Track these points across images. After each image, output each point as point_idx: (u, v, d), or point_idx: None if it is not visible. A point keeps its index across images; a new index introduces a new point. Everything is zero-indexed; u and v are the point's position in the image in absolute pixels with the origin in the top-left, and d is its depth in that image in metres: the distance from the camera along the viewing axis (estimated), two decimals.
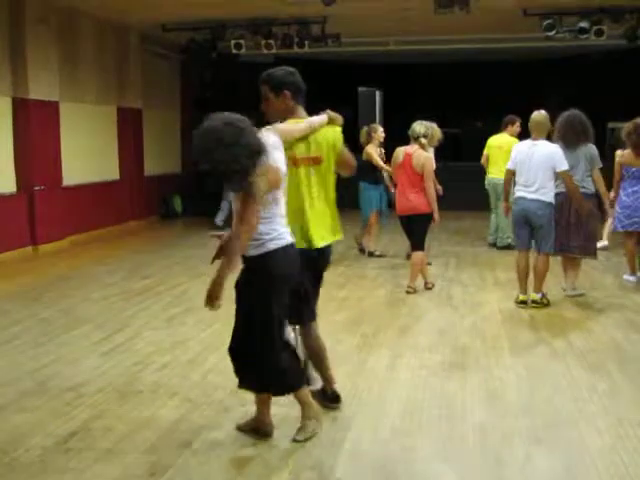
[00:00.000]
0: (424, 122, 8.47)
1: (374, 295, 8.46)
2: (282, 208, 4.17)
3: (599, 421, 4.67)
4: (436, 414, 4.86)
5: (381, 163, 9.86)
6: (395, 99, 16.04)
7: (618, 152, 8.80)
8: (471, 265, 9.92)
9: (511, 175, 7.78)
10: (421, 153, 8.24)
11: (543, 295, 7.80)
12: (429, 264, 8.42)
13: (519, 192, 7.62)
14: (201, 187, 13.84)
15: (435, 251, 11.39)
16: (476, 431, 4.54)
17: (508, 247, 10.75)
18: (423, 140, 8.28)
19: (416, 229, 8.38)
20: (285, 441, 4.40)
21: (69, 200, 12.52)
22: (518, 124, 10.96)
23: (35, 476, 4.02)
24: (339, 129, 4.75)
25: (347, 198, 10.61)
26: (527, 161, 7.53)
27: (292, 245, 4.20)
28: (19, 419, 4.83)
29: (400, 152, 8.45)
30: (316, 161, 4.58)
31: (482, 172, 11.58)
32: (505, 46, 15.93)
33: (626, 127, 8.65)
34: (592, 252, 7.94)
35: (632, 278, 8.94)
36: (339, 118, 4.76)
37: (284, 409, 4.72)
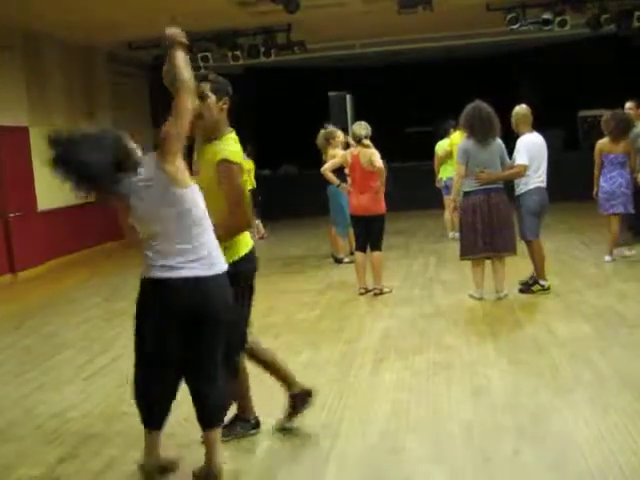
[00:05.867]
0: (362, 123, 8.62)
1: (355, 300, 8.47)
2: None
3: (586, 411, 4.69)
4: (423, 414, 4.87)
5: (330, 176, 9.54)
6: (366, 102, 16.07)
7: (599, 141, 9.29)
8: (450, 262, 9.94)
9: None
10: (366, 151, 8.40)
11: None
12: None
13: (537, 184, 7.81)
14: None
15: (415, 249, 11.47)
16: (463, 429, 4.54)
17: None
18: (365, 141, 8.45)
19: (373, 229, 8.47)
20: None
21: (45, 225, 12.46)
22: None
23: None
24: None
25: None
26: (541, 153, 7.85)
27: None
28: (6, 449, 4.80)
29: (347, 155, 8.74)
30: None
31: None
32: (471, 42, 16.03)
33: (604, 116, 9.16)
34: (513, 248, 7.81)
35: (608, 258, 9.29)
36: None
37: None
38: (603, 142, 9.15)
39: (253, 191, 13.40)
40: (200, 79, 4.10)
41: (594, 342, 6.17)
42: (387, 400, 5.18)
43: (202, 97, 4.09)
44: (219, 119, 4.20)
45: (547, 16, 12.87)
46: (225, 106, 4.21)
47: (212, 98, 4.14)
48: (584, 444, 4.19)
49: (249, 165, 13.17)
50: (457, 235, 9.09)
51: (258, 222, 13.79)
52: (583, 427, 4.43)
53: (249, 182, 13.42)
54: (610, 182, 9.07)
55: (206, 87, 4.13)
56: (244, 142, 4.46)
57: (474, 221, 7.63)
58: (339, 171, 9.34)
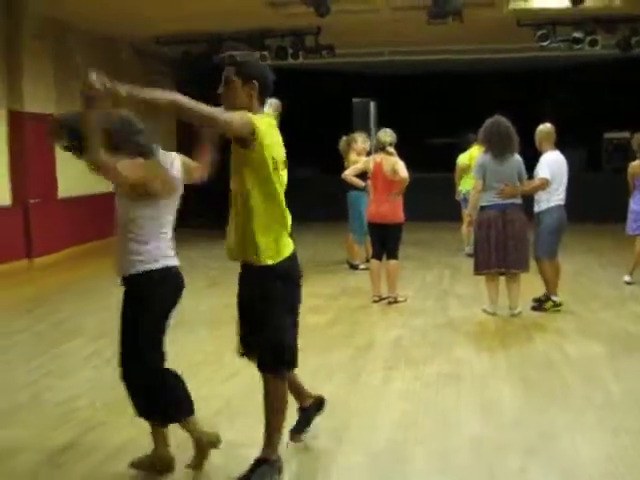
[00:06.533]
0: (387, 130, 8.60)
1: (368, 307, 8.45)
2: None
3: (594, 432, 4.65)
4: (430, 426, 4.84)
5: (354, 180, 9.54)
6: (390, 110, 16.03)
7: (631, 163, 9.26)
8: (466, 276, 9.88)
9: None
10: (389, 158, 8.37)
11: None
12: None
13: (557, 202, 7.79)
14: (201, 192, 13.74)
15: (431, 260, 11.43)
16: (471, 443, 4.51)
17: None
18: (389, 149, 8.42)
19: (390, 238, 8.44)
20: None
21: (65, 212, 12.51)
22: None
23: None
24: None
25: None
26: (562, 172, 7.81)
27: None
28: (11, 433, 4.81)
29: (370, 162, 8.68)
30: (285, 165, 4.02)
31: None
32: (499, 57, 15.97)
33: (636, 138, 9.11)
34: (525, 265, 7.73)
35: (628, 278, 9.28)
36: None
37: None
38: (636, 164, 9.11)
39: None
40: (227, 62, 3.85)
41: (606, 363, 6.11)
42: (395, 409, 5.15)
43: (226, 81, 3.84)
44: (247, 105, 3.81)
45: (578, 35, 12.79)
46: (253, 92, 3.83)
47: (236, 83, 3.82)
48: (592, 465, 4.15)
49: None
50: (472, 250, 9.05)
51: None
52: (592, 448, 4.39)
53: None
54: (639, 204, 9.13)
55: (231, 71, 3.83)
56: None
57: (488, 236, 7.60)
58: (361, 177, 9.32)
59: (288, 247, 3.99)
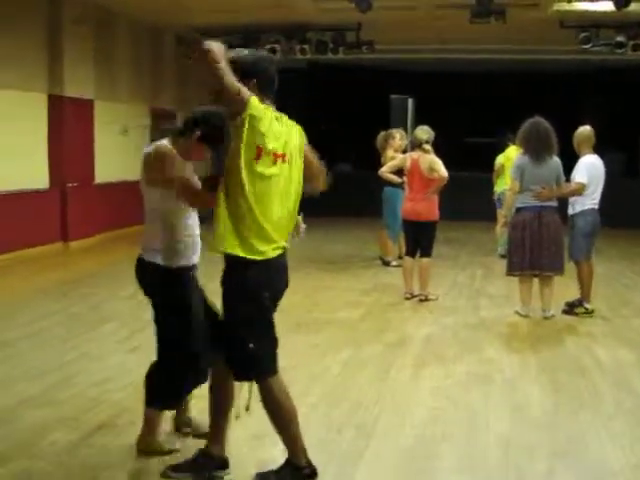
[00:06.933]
0: (425, 127, 8.57)
1: (400, 304, 8.46)
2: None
3: (624, 439, 4.61)
4: (459, 424, 4.84)
5: (391, 176, 9.58)
6: (428, 107, 15.97)
7: None
8: (498, 276, 9.85)
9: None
10: (426, 156, 8.34)
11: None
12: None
13: (591, 205, 7.74)
14: None
15: (463, 260, 11.40)
16: (499, 443, 4.51)
17: None
18: (426, 146, 8.38)
19: (424, 236, 8.45)
20: None
21: (101, 197, 12.65)
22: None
23: (58, 468, 4.06)
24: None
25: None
26: (599, 176, 7.74)
27: None
28: (44, 412, 4.88)
29: (407, 159, 8.65)
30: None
31: None
32: (540, 57, 15.87)
33: None
34: (560, 268, 7.70)
35: None
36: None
37: None
38: None
39: None
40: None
41: (637, 371, 6.06)
42: (425, 406, 5.16)
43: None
44: None
45: (621, 39, 12.71)
46: (254, 90, 3.62)
47: None
48: (620, 472, 4.13)
49: None
50: (505, 251, 9.03)
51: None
52: (621, 455, 4.37)
53: None
54: None
55: None
56: None
57: (523, 237, 7.57)
58: (397, 174, 9.33)
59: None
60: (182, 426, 4.53)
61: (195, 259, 4.27)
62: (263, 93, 3.69)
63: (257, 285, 3.69)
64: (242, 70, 3.61)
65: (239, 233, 3.64)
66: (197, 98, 16.38)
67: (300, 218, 4.06)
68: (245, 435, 4.44)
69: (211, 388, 3.97)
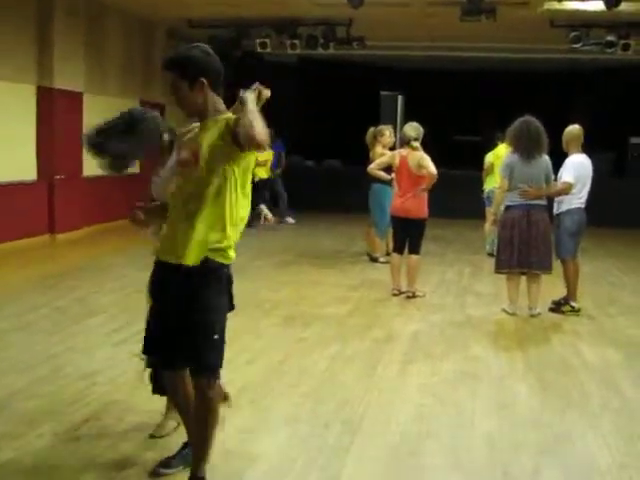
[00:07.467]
0: (414, 124, 8.55)
1: (387, 300, 8.47)
2: None
3: (611, 437, 4.64)
4: (446, 422, 4.85)
5: (380, 173, 9.56)
6: (418, 105, 16.00)
7: None
8: (486, 274, 9.88)
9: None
10: (415, 154, 8.33)
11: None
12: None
13: (578, 204, 7.76)
14: None
15: (451, 257, 11.43)
16: (485, 441, 4.53)
17: None
18: (415, 143, 8.36)
19: (413, 233, 8.46)
20: None
21: (89, 190, 12.59)
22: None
23: (45, 461, 4.05)
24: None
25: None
26: (587, 175, 7.77)
27: None
28: (31, 405, 4.87)
29: (395, 156, 8.65)
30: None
31: None
32: (530, 56, 15.91)
33: None
34: (548, 267, 7.73)
35: None
36: (266, 92, 3.71)
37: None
38: None
39: (266, 181, 13.76)
40: (167, 68, 3.58)
41: (624, 371, 6.09)
42: (411, 403, 5.17)
43: (174, 89, 3.57)
44: (202, 102, 3.58)
45: (611, 38, 12.75)
46: (206, 90, 3.56)
47: (184, 89, 3.54)
48: (606, 471, 4.16)
49: (265, 156, 13.30)
50: (493, 249, 9.06)
51: (263, 207, 14.11)
52: (607, 453, 4.39)
53: (263, 171, 13.64)
54: None
55: (174, 78, 3.55)
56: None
57: (512, 235, 7.59)
58: (386, 170, 9.32)
59: None
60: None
61: None
62: (214, 91, 3.61)
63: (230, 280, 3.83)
64: (194, 70, 3.53)
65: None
66: None
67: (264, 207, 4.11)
68: (234, 429, 4.44)
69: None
